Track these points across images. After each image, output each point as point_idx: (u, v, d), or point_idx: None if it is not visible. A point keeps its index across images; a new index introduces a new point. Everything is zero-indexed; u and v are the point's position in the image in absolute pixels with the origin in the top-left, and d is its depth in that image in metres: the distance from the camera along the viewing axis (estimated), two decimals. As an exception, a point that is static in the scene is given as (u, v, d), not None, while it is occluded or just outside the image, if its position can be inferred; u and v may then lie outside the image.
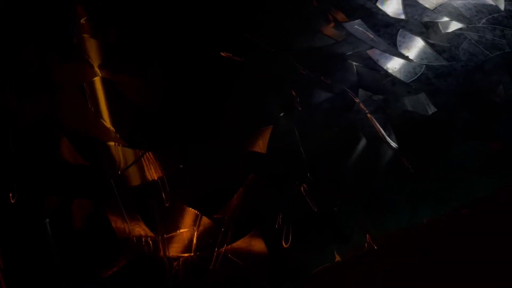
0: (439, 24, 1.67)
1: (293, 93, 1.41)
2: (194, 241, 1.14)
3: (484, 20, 1.71)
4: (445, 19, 1.69)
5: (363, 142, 1.36)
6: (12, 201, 1.10)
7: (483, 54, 1.61)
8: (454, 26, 1.68)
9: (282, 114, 1.38)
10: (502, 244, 1.13)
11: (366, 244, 1.15)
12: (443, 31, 1.65)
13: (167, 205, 1.17)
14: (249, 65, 1.48)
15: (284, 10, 1.64)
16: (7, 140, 1.19)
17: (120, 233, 1.12)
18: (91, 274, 1.06)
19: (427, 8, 1.71)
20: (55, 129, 1.24)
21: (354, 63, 1.53)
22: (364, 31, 1.61)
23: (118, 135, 1.25)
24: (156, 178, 1.20)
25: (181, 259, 1.11)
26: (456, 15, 1.70)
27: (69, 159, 1.20)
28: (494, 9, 1.74)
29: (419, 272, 1.12)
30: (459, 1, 1.74)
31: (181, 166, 1.22)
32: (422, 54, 1.59)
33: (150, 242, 1.12)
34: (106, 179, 1.18)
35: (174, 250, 1.12)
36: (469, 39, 1.64)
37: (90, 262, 1.08)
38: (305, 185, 1.25)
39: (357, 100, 1.42)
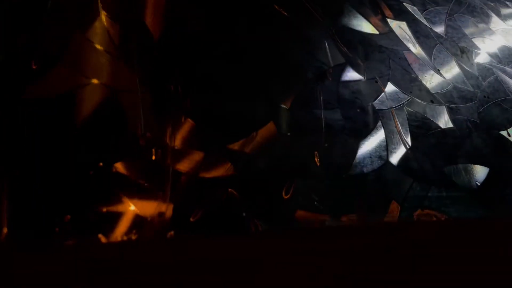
0: (473, 52, 1.71)
1: (330, 61, 1.40)
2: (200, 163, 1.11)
3: (512, 65, 1.76)
4: (480, 50, 1.73)
5: (380, 130, 1.36)
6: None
7: (505, 93, 1.66)
8: (486, 59, 1.72)
9: (312, 77, 1.36)
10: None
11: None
12: (475, 60, 1.69)
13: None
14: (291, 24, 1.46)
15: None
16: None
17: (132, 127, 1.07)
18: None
19: (466, 35, 1.75)
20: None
21: (390, 58, 1.54)
22: (406, 33, 1.63)
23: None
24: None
25: (183, 176, 1.08)
26: (491, 51, 1.75)
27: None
28: (524, 58, 1.81)
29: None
30: (499, 41, 1.79)
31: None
32: (451, 73, 1.62)
33: (160, 150, 1.08)
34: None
35: (181, 165, 1.09)
36: (496, 76, 1.69)
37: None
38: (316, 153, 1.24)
39: (384, 90, 1.43)
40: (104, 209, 0.99)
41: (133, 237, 0.99)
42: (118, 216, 1.00)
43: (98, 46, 1.16)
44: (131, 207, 1.01)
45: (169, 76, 1.19)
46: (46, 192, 0.97)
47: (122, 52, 1.18)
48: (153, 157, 1.07)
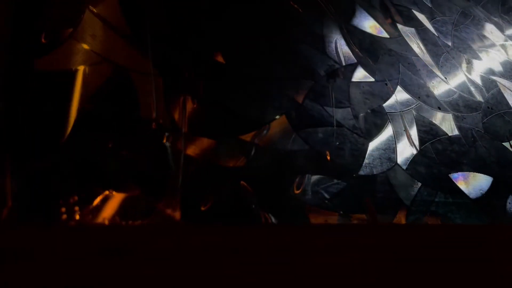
0: (478, 64, 1.73)
1: (341, 59, 1.39)
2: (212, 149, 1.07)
3: (515, 79, 1.79)
4: (484, 62, 1.75)
5: (389, 131, 1.35)
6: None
7: (508, 106, 1.67)
8: (489, 71, 1.74)
9: (324, 74, 1.34)
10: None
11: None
12: (480, 71, 1.71)
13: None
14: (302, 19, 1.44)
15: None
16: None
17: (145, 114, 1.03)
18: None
19: (471, 46, 1.77)
20: None
21: (399, 62, 1.53)
22: (414, 40, 1.63)
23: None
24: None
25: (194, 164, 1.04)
26: (494, 64, 1.77)
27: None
28: (526, 73, 1.83)
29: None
30: (501, 55, 1.81)
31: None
32: (457, 82, 1.63)
33: (171, 136, 1.04)
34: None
35: (192, 150, 1.05)
36: (499, 88, 1.70)
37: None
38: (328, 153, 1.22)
39: (392, 91, 1.42)
40: (109, 192, 0.94)
41: (139, 222, 0.94)
42: (124, 200, 0.95)
43: (111, 25, 1.11)
44: (139, 191, 0.96)
45: (183, 62, 1.15)
46: (51, 171, 0.92)
47: (136, 33, 1.14)
48: (165, 142, 1.03)
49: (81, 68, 1.04)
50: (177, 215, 0.96)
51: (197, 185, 1.02)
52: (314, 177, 1.16)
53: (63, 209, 0.87)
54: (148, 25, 1.15)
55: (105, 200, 0.93)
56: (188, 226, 0.96)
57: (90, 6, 1.11)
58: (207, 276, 0.81)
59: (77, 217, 0.88)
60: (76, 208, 0.89)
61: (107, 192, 0.93)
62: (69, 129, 0.96)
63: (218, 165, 1.07)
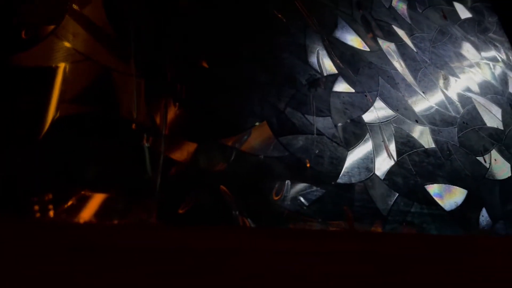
0: (455, 80, 1.78)
1: (322, 69, 1.41)
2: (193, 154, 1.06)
3: (489, 96, 1.84)
4: (460, 79, 1.80)
5: (368, 143, 1.37)
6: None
7: (482, 121, 1.72)
8: (465, 88, 1.79)
9: (305, 84, 1.36)
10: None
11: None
12: (456, 88, 1.75)
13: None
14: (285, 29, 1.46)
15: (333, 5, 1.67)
16: None
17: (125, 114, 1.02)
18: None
19: (448, 63, 1.82)
20: None
21: (379, 75, 1.56)
22: (394, 54, 1.67)
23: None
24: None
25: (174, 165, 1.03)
26: (469, 81, 1.82)
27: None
28: (499, 91, 1.89)
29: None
30: (477, 73, 1.87)
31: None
32: (434, 97, 1.67)
33: (151, 137, 1.03)
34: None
35: (172, 153, 1.04)
36: (474, 105, 1.75)
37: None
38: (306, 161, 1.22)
39: (371, 101, 1.45)
40: (86, 192, 0.92)
41: (115, 222, 0.92)
42: (101, 199, 0.93)
43: (94, 24, 1.11)
44: (116, 192, 0.95)
45: (166, 64, 1.15)
46: (26, 168, 0.89)
47: (119, 33, 1.13)
48: (145, 143, 1.02)
49: (61, 66, 1.02)
50: (154, 216, 0.95)
51: (175, 188, 1.01)
52: (294, 184, 1.17)
53: (36, 207, 0.85)
54: (131, 26, 1.15)
55: (81, 199, 0.91)
56: (163, 228, 0.95)
57: (73, 5, 1.10)
58: (180, 276, 0.80)
59: (51, 214, 0.85)
60: (50, 206, 0.86)
61: (83, 192, 0.91)
62: (47, 126, 0.95)
63: (198, 168, 1.06)
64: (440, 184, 1.44)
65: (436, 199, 1.40)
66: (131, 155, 1.00)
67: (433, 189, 1.42)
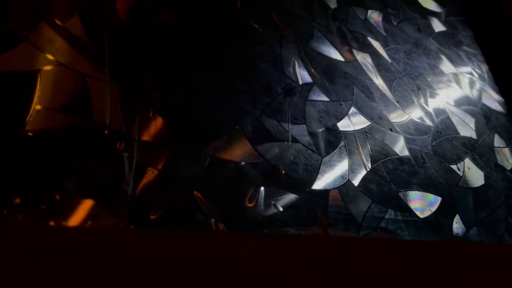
0: (428, 91, 1.82)
1: (298, 78, 1.43)
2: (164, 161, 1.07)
3: (463, 107, 1.89)
4: (434, 89, 1.84)
5: (343, 151, 1.39)
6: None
7: (455, 131, 1.76)
8: (439, 98, 1.83)
9: (281, 92, 1.38)
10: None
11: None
12: (430, 98, 1.80)
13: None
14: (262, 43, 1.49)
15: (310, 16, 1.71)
16: None
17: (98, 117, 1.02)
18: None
19: (422, 74, 1.86)
20: None
21: (354, 85, 1.60)
22: (369, 64, 1.71)
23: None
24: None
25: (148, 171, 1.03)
26: (443, 92, 1.87)
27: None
28: (472, 102, 1.94)
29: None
30: (450, 84, 1.92)
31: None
32: (408, 107, 1.70)
33: (124, 142, 1.03)
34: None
35: (146, 158, 1.04)
36: (448, 115, 1.80)
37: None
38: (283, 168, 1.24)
39: (346, 110, 1.48)
40: (58, 197, 0.92)
41: (87, 225, 0.92)
42: (73, 204, 0.93)
43: (69, 31, 1.12)
44: (88, 197, 0.95)
45: (140, 71, 1.16)
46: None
47: (93, 39, 1.14)
48: (118, 148, 1.02)
49: (35, 71, 1.03)
50: (125, 222, 0.95)
51: (149, 193, 1.02)
52: (268, 190, 1.18)
53: (5, 211, 0.84)
54: (107, 35, 1.16)
55: (53, 203, 0.91)
56: (134, 231, 0.95)
57: (48, 11, 1.11)
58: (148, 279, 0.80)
59: (20, 217, 0.85)
60: (21, 209, 0.86)
61: (55, 196, 0.91)
62: (20, 130, 0.94)
63: (172, 174, 1.07)
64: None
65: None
66: (103, 160, 1.00)
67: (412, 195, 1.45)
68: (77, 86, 1.05)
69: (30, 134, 0.94)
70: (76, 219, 0.91)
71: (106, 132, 1.03)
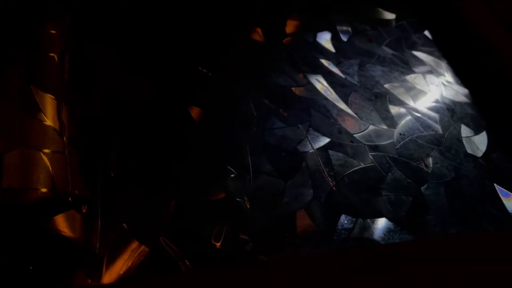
0: (387, 97, 1.90)
1: (254, 113, 1.52)
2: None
3: (425, 105, 1.96)
4: (393, 94, 1.92)
5: (305, 171, 1.47)
6: None
7: (419, 130, 1.83)
8: (399, 102, 1.91)
9: (238, 125, 1.47)
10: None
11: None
12: (389, 103, 1.87)
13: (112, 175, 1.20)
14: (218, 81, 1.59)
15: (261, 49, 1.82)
16: None
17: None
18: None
19: (379, 82, 1.94)
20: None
21: (310, 106, 1.68)
22: (323, 84, 1.80)
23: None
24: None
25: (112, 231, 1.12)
26: (403, 94, 1.94)
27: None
28: (433, 98, 2.01)
29: None
30: (409, 85, 2.00)
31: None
32: (368, 116, 1.78)
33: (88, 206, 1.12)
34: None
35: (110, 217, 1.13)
36: (410, 116, 1.86)
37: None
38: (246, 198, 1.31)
39: (304, 132, 1.55)
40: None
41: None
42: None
43: (25, 113, 1.23)
44: (57, 258, 1.03)
45: (100, 141, 1.26)
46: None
47: (51, 118, 1.25)
48: (83, 211, 1.11)
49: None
50: (97, 279, 1.03)
51: (115, 252, 1.10)
52: (234, 224, 1.25)
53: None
54: (66, 114, 1.27)
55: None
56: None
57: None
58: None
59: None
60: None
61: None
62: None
63: (137, 227, 1.15)
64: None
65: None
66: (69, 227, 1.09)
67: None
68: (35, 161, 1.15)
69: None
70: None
71: (70, 199, 1.12)
